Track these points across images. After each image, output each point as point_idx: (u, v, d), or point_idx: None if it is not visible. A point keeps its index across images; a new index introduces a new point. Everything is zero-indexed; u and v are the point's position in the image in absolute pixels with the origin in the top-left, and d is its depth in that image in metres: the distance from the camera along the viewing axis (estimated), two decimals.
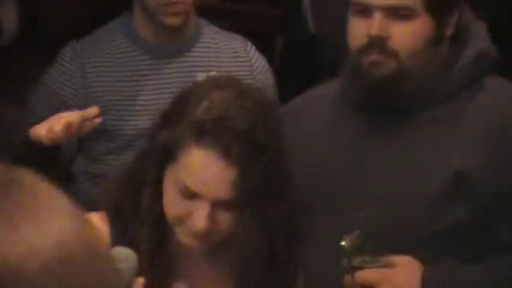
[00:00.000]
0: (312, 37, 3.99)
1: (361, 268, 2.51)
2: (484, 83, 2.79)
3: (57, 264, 1.05)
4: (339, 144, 2.80)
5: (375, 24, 2.69)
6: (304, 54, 4.16)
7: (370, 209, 2.69)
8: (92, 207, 2.41)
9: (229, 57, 3.66)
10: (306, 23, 4.11)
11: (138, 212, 2.59)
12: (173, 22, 3.49)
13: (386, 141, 2.72)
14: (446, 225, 2.62)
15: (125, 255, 1.98)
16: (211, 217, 2.52)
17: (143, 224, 2.58)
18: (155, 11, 3.48)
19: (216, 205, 2.49)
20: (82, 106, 3.26)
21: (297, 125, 2.87)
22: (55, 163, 3.17)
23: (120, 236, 2.45)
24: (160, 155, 2.58)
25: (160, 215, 2.55)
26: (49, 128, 3.00)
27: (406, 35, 2.73)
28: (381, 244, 2.49)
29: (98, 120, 3.06)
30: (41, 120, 3.11)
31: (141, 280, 2.16)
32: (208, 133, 2.47)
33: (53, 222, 1.07)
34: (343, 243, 2.58)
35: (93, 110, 3.05)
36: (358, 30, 2.74)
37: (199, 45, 3.65)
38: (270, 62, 4.06)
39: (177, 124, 2.53)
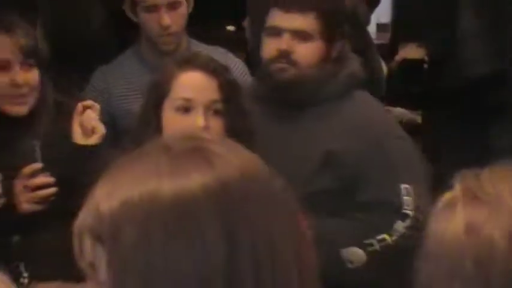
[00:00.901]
0: (251, 53, 5.06)
1: None
2: (354, 94, 3.75)
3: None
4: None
5: (284, 42, 3.64)
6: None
7: None
8: None
9: None
10: None
11: None
12: (169, 48, 4.29)
13: (283, 128, 3.71)
14: (319, 188, 3.50)
15: None
16: (205, 119, 3.23)
17: None
18: (156, 41, 4.32)
19: (207, 109, 3.26)
20: (109, 123, 3.96)
21: None
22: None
23: None
24: (156, 99, 3.32)
25: None
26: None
27: (305, 52, 3.70)
28: None
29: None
30: None
31: None
32: (190, 61, 3.38)
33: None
34: None
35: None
36: (271, 46, 3.70)
37: None
38: None
39: (164, 77, 3.39)
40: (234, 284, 1.40)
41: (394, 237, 3.64)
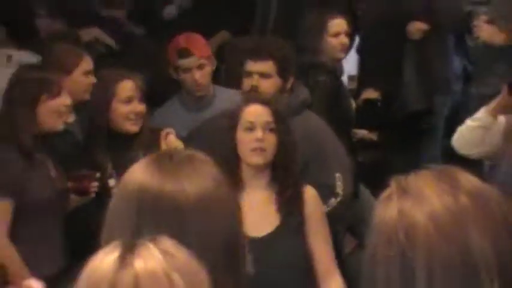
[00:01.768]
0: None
1: None
2: (305, 113, 4.62)
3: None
4: None
5: (254, 81, 4.67)
6: None
7: None
8: None
9: (232, 101, 4.68)
10: None
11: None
12: (200, 93, 5.20)
13: None
14: None
15: None
16: (263, 135, 3.90)
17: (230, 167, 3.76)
18: (190, 89, 5.19)
19: (264, 128, 3.91)
20: None
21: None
22: None
23: None
24: (231, 124, 4.00)
25: (236, 158, 3.92)
26: None
27: (268, 85, 4.68)
28: None
29: None
30: None
31: None
32: (252, 97, 4.23)
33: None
34: None
35: None
36: (246, 84, 4.69)
37: (216, 100, 5.26)
38: None
39: (235, 109, 4.04)
40: None
41: (328, 209, 4.40)
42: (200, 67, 5.12)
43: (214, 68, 5.23)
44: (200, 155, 1.96)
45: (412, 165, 5.38)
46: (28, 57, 5.72)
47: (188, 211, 1.85)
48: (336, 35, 5.51)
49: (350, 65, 6.44)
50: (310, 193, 4.02)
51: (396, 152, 6.03)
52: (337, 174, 4.60)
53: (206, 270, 1.69)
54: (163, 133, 4.63)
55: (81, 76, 4.92)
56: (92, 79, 4.87)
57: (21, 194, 4.27)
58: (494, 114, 4.50)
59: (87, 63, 5.01)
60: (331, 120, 5.06)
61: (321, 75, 5.32)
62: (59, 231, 4.26)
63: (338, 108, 5.42)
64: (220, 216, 1.89)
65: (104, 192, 4.12)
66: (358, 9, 6.35)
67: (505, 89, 4.50)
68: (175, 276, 1.50)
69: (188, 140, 4.69)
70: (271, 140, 3.87)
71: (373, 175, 5.43)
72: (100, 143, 4.59)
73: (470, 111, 5.14)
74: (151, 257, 1.51)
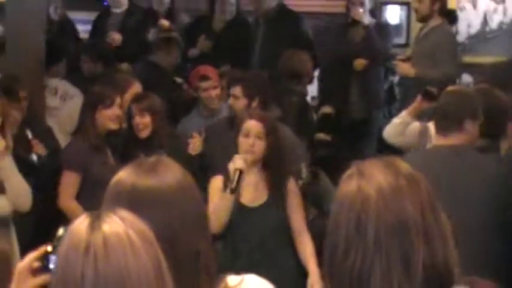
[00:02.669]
0: None
1: None
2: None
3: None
4: None
5: (230, 100, 4.65)
6: None
7: None
8: None
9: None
10: None
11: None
12: (213, 106, 5.17)
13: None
14: None
15: None
16: (253, 141, 3.82)
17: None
18: (207, 103, 5.16)
19: (254, 137, 3.83)
20: None
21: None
22: None
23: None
24: (236, 130, 3.93)
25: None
26: None
27: (238, 105, 4.58)
28: None
29: None
30: None
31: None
32: (250, 115, 3.97)
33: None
34: None
35: None
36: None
37: (221, 110, 5.18)
38: None
39: (240, 121, 3.97)
40: None
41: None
42: (214, 88, 5.16)
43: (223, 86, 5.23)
44: (166, 159, 1.93)
45: (355, 158, 5.71)
46: (69, 87, 5.81)
47: (174, 196, 1.81)
48: (304, 71, 5.54)
49: (312, 89, 6.35)
50: (291, 183, 4.03)
51: (344, 149, 5.94)
52: (303, 164, 4.55)
53: (185, 235, 1.77)
54: (192, 136, 4.65)
55: (131, 96, 4.88)
56: None
57: (85, 171, 4.28)
58: (412, 114, 4.59)
59: (137, 87, 5.09)
60: (300, 127, 5.15)
61: (293, 97, 5.37)
62: None
63: (305, 118, 5.43)
64: (194, 199, 1.85)
65: None
66: (317, 51, 6.15)
67: (419, 97, 4.58)
68: (132, 233, 1.48)
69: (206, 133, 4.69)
70: (258, 145, 3.85)
71: (328, 164, 5.41)
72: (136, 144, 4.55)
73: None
74: (113, 222, 1.48)
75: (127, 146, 4.55)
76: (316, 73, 6.27)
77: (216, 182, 3.80)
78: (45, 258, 1.64)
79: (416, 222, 1.59)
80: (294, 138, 4.52)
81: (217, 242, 3.61)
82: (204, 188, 3.48)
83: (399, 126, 4.65)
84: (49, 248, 1.63)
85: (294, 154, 4.39)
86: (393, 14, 7.03)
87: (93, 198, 3.99)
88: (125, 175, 1.85)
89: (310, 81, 6.08)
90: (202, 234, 1.82)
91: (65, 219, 3.82)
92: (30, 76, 5.33)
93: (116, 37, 6.65)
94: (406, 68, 5.51)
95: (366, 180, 1.63)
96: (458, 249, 1.64)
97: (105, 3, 7.28)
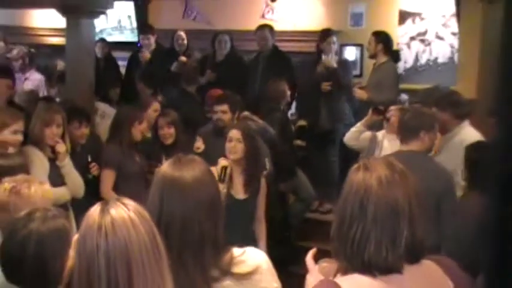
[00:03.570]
0: None
1: None
2: None
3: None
4: None
5: (218, 115, 4.52)
6: None
7: None
8: None
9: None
10: None
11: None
12: (221, 125, 4.58)
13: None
14: None
15: None
16: (235, 144, 3.74)
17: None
18: (216, 123, 4.67)
19: (237, 140, 3.74)
20: None
21: None
22: None
23: None
24: (223, 139, 3.77)
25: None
26: None
27: (226, 118, 4.55)
28: None
29: None
30: None
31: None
32: (233, 127, 3.88)
33: None
34: None
35: None
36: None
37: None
38: None
39: (227, 132, 3.81)
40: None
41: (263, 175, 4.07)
42: (223, 112, 4.73)
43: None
44: (195, 159, 1.86)
45: (323, 159, 5.73)
46: (106, 107, 5.75)
47: (189, 187, 1.76)
48: (285, 94, 5.44)
49: (292, 107, 6.34)
50: (262, 178, 3.94)
51: (314, 152, 5.91)
52: (266, 159, 4.41)
53: (194, 217, 1.71)
54: (196, 145, 4.52)
55: (152, 112, 4.89)
56: (157, 113, 4.79)
57: (119, 168, 4.24)
58: (365, 125, 4.60)
59: (156, 105, 5.03)
60: (283, 135, 5.15)
61: (277, 113, 5.32)
62: (142, 193, 3.93)
63: (286, 129, 5.36)
64: (205, 189, 1.78)
65: None
66: (296, 79, 6.04)
67: (370, 112, 4.60)
68: (132, 215, 1.47)
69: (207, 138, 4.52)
70: (239, 147, 3.77)
71: (303, 163, 5.61)
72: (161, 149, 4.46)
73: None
74: (118, 207, 1.48)
75: (154, 150, 4.46)
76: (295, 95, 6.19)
77: None
78: None
79: (404, 208, 1.58)
80: (260, 140, 4.33)
81: None
82: None
83: (355, 134, 4.63)
84: None
85: (261, 152, 4.29)
86: (351, 53, 7.02)
87: (126, 188, 4.03)
88: (163, 166, 1.84)
89: (291, 102, 6.03)
90: (209, 218, 1.75)
91: None
92: (84, 99, 5.37)
93: (145, 55, 6.70)
94: (361, 94, 5.56)
95: (370, 173, 1.61)
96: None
97: (138, 45, 7.25)
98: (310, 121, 5.77)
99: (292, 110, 6.37)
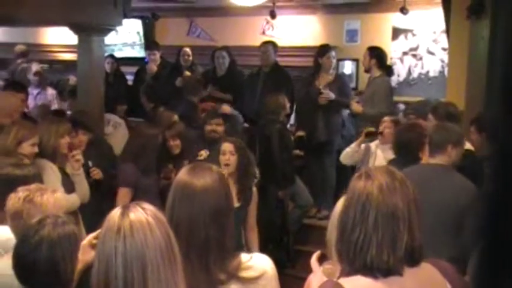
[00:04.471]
0: None
1: None
2: None
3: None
4: None
5: (213, 127, 4.56)
6: None
7: None
8: None
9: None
10: None
11: None
12: (214, 137, 4.60)
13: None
14: None
15: None
16: (229, 157, 3.73)
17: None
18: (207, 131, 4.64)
19: (230, 153, 3.73)
20: None
21: None
22: None
23: None
24: (218, 151, 3.76)
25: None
26: None
27: (220, 128, 4.55)
28: None
29: None
30: None
31: None
32: (225, 140, 3.85)
33: None
34: None
35: None
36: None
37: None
38: None
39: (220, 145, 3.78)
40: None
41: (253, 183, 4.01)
42: (219, 124, 4.77)
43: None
44: (211, 167, 1.85)
45: (320, 168, 5.69)
46: (116, 118, 5.80)
47: (197, 193, 1.75)
48: (284, 107, 5.41)
49: (291, 119, 6.28)
50: (253, 188, 3.90)
51: (312, 161, 5.81)
52: (256, 168, 4.43)
53: (200, 222, 1.70)
54: (201, 152, 4.49)
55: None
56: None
57: (136, 186, 4.16)
58: (359, 146, 4.64)
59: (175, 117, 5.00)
60: (282, 146, 5.13)
61: (277, 124, 5.27)
62: (157, 200, 3.46)
63: (285, 140, 5.29)
64: (212, 197, 1.75)
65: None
66: (294, 93, 6.01)
67: (363, 134, 4.65)
68: (150, 219, 1.47)
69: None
70: (232, 159, 3.76)
71: (301, 171, 5.59)
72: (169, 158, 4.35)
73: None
74: (137, 211, 1.48)
75: (162, 160, 4.36)
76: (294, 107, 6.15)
77: None
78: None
79: (404, 213, 1.57)
80: (248, 151, 4.25)
81: None
82: None
83: (349, 153, 4.69)
84: None
85: (252, 162, 4.21)
86: (347, 67, 7.04)
87: (143, 198, 3.93)
88: (180, 173, 1.83)
89: (290, 114, 6.01)
90: (216, 223, 1.73)
91: None
92: (94, 112, 5.38)
93: (152, 67, 6.75)
94: (356, 107, 5.54)
95: (371, 180, 1.60)
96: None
97: (146, 60, 7.29)
98: (308, 132, 5.73)
99: (291, 121, 6.37)
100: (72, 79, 7.00)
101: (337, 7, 7.05)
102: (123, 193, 4.16)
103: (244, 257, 1.78)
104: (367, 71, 5.68)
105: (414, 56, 6.76)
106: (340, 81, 5.82)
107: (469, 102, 4.52)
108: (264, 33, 7.46)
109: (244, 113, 5.92)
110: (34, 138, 3.63)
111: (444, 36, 5.84)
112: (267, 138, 5.18)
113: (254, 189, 3.86)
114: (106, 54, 6.52)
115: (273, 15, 7.04)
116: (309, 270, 1.86)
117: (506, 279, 0.65)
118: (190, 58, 6.82)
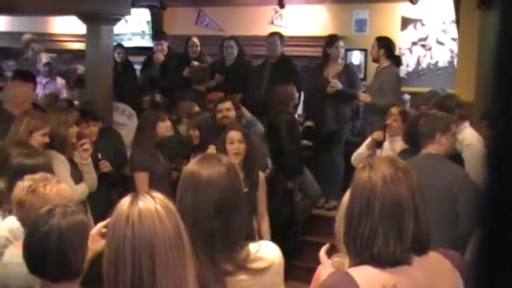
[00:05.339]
0: None
1: None
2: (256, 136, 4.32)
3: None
4: None
5: (224, 112, 4.57)
6: None
7: None
8: None
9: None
10: None
11: None
12: (226, 123, 4.44)
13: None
14: None
15: None
16: (238, 145, 3.68)
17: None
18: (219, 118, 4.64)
19: (238, 141, 3.69)
20: None
21: None
22: None
23: None
24: (224, 140, 3.69)
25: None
26: None
27: (231, 113, 4.56)
28: None
29: None
30: None
31: None
32: (232, 127, 3.80)
33: None
34: None
35: None
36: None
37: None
38: None
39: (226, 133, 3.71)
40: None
41: (265, 174, 4.07)
42: (229, 109, 4.78)
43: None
44: (222, 158, 1.84)
45: (328, 158, 5.74)
46: (130, 108, 5.77)
47: (201, 184, 1.75)
48: (293, 97, 5.46)
49: (299, 108, 6.37)
50: (261, 174, 3.86)
51: (320, 151, 5.77)
52: (267, 160, 4.51)
53: (204, 212, 1.69)
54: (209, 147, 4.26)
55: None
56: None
57: (150, 169, 4.18)
58: (368, 149, 4.56)
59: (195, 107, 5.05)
60: (291, 136, 5.18)
61: (285, 115, 5.30)
62: (169, 190, 3.76)
63: (294, 130, 5.33)
64: (217, 189, 1.74)
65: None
66: (301, 84, 5.98)
67: (369, 140, 4.56)
68: (159, 207, 1.48)
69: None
70: (241, 147, 3.72)
71: (309, 162, 5.57)
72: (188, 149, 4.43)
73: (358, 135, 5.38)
74: (146, 199, 1.48)
75: (182, 149, 4.40)
76: (302, 98, 6.22)
77: None
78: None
79: (409, 203, 1.58)
80: (260, 142, 4.26)
81: None
82: None
83: (359, 156, 4.59)
84: None
85: (262, 153, 4.25)
86: (355, 57, 7.01)
87: (156, 188, 4.01)
88: (190, 162, 1.84)
89: (297, 105, 6.03)
90: (221, 215, 1.72)
91: None
92: (103, 101, 5.40)
93: (159, 56, 6.79)
94: (364, 97, 5.54)
95: (375, 171, 1.61)
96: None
97: (154, 49, 7.27)
98: (317, 122, 5.74)
99: (299, 111, 6.36)
100: (80, 68, 7.02)
101: None
102: (142, 178, 4.13)
103: (252, 247, 1.77)
104: (375, 61, 5.67)
105: (423, 46, 6.70)
106: (348, 71, 5.82)
107: (478, 93, 4.53)
108: (272, 22, 7.43)
109: (249, 105, 5.96)
110: (45, 128, 3.64)
111: (454, 26, 5.84)
112: (275, 129, 5.19)
113: (262, 176, 3.83)
114: (115, 43, 6.48)
115: (281, 5, 7.04)
116: (317, 261, 1.87)
117: (504, 272, 0.65)
118: (199, 49, 6.78)
